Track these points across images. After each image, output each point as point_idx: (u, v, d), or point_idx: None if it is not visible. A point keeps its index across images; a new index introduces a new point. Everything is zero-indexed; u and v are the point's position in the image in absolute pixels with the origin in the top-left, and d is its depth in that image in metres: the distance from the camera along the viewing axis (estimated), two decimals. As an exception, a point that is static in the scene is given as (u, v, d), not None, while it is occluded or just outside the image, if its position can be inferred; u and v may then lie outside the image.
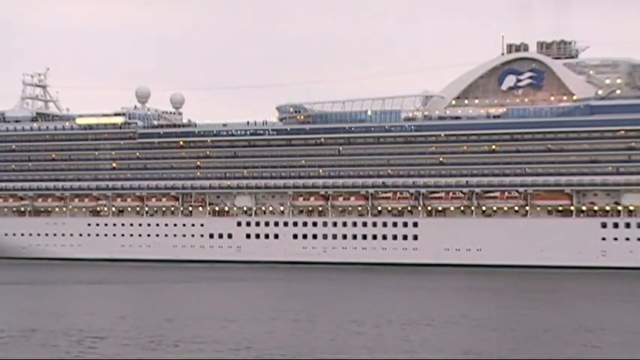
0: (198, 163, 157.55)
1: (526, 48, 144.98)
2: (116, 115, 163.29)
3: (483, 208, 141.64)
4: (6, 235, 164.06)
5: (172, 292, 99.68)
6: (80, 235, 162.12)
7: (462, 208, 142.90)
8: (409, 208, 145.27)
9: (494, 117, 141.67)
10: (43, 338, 57.37)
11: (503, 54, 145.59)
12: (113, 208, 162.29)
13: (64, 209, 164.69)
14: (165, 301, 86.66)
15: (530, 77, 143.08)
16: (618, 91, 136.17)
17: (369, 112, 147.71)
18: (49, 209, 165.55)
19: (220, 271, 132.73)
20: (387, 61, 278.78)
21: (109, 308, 77.56)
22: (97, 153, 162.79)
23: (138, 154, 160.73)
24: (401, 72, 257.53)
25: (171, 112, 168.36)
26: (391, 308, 76.25)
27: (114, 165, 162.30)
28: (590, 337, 59.24)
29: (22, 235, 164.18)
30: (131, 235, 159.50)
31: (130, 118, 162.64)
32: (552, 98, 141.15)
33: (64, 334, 58.93)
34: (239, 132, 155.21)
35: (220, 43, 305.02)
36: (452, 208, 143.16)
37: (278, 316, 70.27)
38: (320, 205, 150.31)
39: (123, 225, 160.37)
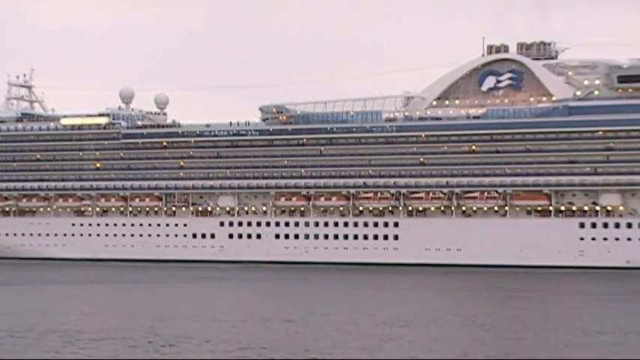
0: (182, 163, 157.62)
1: (506, 49, 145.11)
2: (100, 115, 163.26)
3: (463, 208, 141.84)
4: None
5: (159, 291, 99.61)
6: (64, 235, 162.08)
7: (442, 208, 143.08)
8: (390, 208, 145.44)
9: (474, 118, 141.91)
10: (33, 338, 57.05)
11: (483, 55, 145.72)
12: (97, 208, 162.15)
13: (49, 209, 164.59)
14: (153, 301, 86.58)
15: (509, 78, 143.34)
16: (596, 92, 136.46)
17: (352, 113, 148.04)
18: (34, 209, 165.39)
19: (204, 270, 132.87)
20: (369, 62, 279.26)
21: (95, 308, 77.35)
22: (81, 153, 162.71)
23: (122, 154, 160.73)
24: (382, 73, 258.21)
25: (155, 113, 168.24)
26: (377, 308, 76.45)
27: (98, 165, 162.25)
28: (571, 336, 59.50)
29: (7, 235, 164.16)
30: (115, 235, 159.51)
31: (114, 119, 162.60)
32: (532, 99, 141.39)
33: (51, 334, 58.66)
34: (222, 132, 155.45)
35: (206, 43, 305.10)
36: (432, 208, 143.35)
37: (267, 316, 70.07)
38: (302, 206, 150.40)
39: (107, 225, 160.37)
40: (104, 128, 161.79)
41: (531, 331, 61.28)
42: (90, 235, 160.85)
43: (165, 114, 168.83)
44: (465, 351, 52.62)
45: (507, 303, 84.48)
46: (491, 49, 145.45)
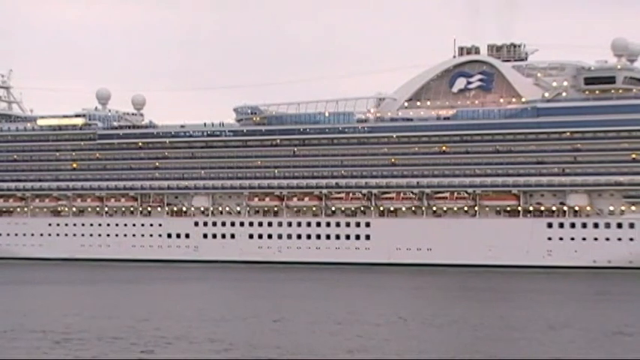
0: (157, 163, 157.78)
1: (477, 51, 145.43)
2: (77, 116, 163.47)
3: (434, 209, 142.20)
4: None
5: (137, 291, 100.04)
6: (41, 235, 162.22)
7: (412, 208, 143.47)
8: (362, 209, 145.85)
9: (445, 119, 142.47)
10: (12, 339, 57.21)
11: (454, 57, 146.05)
12: (73, 209, 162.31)
13: (25, 209, 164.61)
14: (134, 301, 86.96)
15: (479, 80, 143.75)
16: (564, 94, 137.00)
17: (327, 114, 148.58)
18: (11, 209, 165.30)
19: (179, 270, 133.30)
20: (342, 63, 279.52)
21: (77, 308, 77.58)
22: (57, 154, 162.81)
23: (98, 154, 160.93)
24: (355, 74, 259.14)
25: (132, 114, 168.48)
26: (354, 307, 77.12)
27: (74, 166, 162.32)
28: (539, 334, 60.11)
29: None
30: (91, 235, 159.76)
31: (90, 120, 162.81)
32: (502, 100, 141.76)
33: (37, 334, 58.99)
34: (196, 133, 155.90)
35: (184, 45, 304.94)
36: (403, 209, 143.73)
37: (248, 315, 70.64)
38: (275, 206, 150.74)
39: (83, 225, 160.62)
40: (80, 129, 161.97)
41: (497, 328, 62.06)
42: (66, 235, 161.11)
43: (142, 115, 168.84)
44: (435, 350, 53.25)
45: (475, 302, 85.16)
46: (462, 50, 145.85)
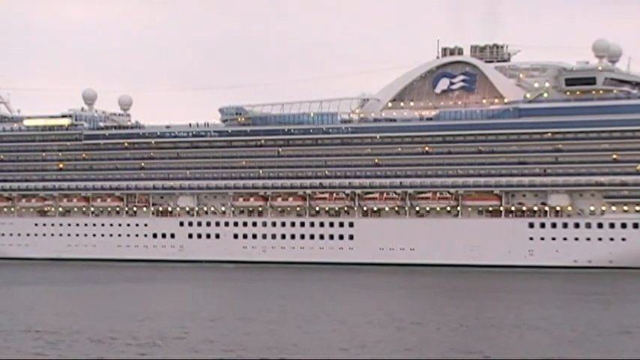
0: (143, 164, 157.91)
1: (460, 52, 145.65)
2: (63, 116, 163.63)
3: (417, 209, 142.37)
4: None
5: (124, 291, 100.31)
6: (27, 234, 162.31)
7: (396, 208, 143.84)
8: (345, 209, 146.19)
9: (428, 119, 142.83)
10: (11, 339, 57.24)
11: (438, 57, 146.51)
12: (60, 209, 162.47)
13: (12, 209, 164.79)
14: (123, 300, 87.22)
15: (462, 80, 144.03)
16: (545, 95, 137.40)
17: (312, 115, 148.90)
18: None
19: (164, 270, 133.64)
20: (327, 64, 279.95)
21: (65, 308, 77.90)
22: (44, 154, 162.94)
23: (84, 155, 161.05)
24: (340, 75, 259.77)
25: (119, 114, 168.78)
26: (339, 307, 77.43)
27: (60, 166, 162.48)
28: (519, 333, 60.55)
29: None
30: (77, 235, 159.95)
31: (76, 120, 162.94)
32: (484, 101, 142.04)
33: (30, 334, 59.16)
34: (182, 133, 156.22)
35: (171, 45, 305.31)
36: (386, 209, 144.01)
37: (237, 315, 71.06)
38: (260, 206, 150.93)
39: (69, 225, 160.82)
40: (66, 129, 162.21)
41: (480, 328, 62.44)
42: (52, 235, 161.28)
43: (128, 115, 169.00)
44: (421, 349, 53.54)
45: (453, 301, 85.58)
46: (445, 51, 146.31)
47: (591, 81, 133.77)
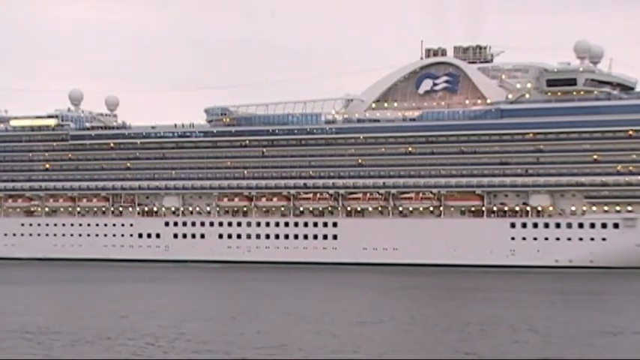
0: (128, 164, 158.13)
1: (444, 53, 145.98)
2: (49, 117, 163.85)
3: (400, 209, 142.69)
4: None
5: (111, 291, 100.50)
6: (14, 234, 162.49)
7: (379, 208, 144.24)
8: (329, 209, 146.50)
9: (411, 120, 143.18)
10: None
11: (422, 58, 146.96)
12: (46, 209, 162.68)
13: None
14: (112, 300, 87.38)
15: (445, 81, 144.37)
16: (527, 95, 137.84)
17: (297, 115, 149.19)
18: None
19: (150, 270, 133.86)
20: (311, 64, 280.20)
21: (53, 308, 78.04)
22: (30, 154, 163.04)
23: (70, 155, 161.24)
24: (325, 75, 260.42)
25: (105, 115, 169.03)
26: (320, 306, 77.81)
27: (47, 166, 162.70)
28: (501, 332, 60.79)
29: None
30: (63, 235, 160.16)
31: (62, 121, 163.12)
32: (467, 102, 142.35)
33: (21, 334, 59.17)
34: (167, 134, 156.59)
35: (159, 45, 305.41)
36: (370, 209, 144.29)
37: (224, 315, 71.32)
38: (244, 206, 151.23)
39: (55, 225, 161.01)
40: (53, 130, 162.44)
41: (461, 327, 62.76)
42: (39, 234, 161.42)
43: (115, 115, 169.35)
44: (404, 349, 53.77)
45: (434, 301, 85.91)
46: (429, 52, 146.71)
47: (572, 82, 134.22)
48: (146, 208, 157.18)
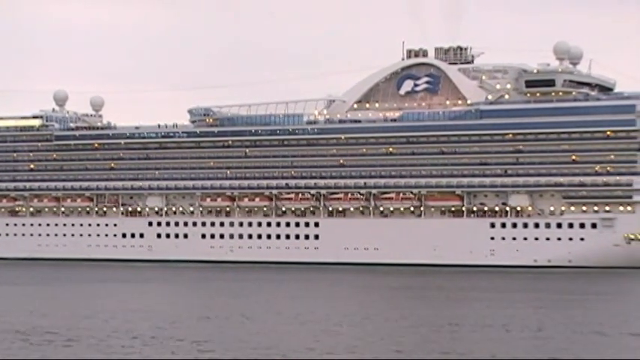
0: (112, 164, 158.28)
1: (425, 54, 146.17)
2: (34, 117, 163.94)
3: (381, 209, 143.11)
4: None
5: (95, 290, 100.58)
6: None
7: (360, 208, 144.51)
8: (311, 209, 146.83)
9: (392, 120, 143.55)
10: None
11: (403, 59, 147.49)
12: (31, 209, 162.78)
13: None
14: (97, 299, 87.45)
15: (426, 82, 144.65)
16: (507, 96, 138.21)
17: (281, 116, 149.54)
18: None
19: (133, 269, 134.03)
20: (295, 65, 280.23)
21: (33, 307, 77.41)
22: (15, 155, 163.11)
23: (55, 155, 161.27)
24: (308, 76, 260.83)
25: (91, 115, 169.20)
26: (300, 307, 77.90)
27: (31, 166, 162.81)
28: (480, 331, 61.02)
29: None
30: (47, 235, 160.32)
31: (47, 121, 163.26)
32: (448, 102, 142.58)
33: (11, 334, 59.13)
34: (151, 134, 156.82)
35: (146, 45, 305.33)
36: (351, 209, 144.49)
37: (209, 315, 71.17)
38: (227, 206, 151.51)
39: (40, 225, 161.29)
40: (37, 130, 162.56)
41: (436, 327, 62.96)
42: (23, 234, 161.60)
43: (100, 116, 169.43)
44: (385, 348, 53.74)
45: (414, 300, 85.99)
46: (410, 53, 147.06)
47: (550, 83, 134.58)
48: (130, 208, 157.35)
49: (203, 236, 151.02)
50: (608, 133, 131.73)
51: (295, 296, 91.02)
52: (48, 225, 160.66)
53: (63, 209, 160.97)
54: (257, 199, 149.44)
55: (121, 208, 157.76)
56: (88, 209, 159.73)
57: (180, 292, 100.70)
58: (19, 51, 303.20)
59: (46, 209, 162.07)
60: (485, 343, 55.90)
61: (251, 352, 51.43)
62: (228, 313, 71.44)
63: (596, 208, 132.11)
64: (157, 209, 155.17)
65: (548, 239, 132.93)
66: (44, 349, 53.29)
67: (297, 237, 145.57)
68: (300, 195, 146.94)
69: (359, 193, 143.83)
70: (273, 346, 53.78)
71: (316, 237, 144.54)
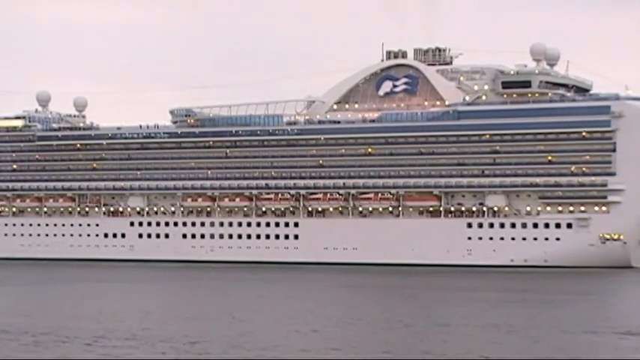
0: (95, 165, 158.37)
1: (404, 55, 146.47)
2: (17, 118, 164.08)
3: (359, 209, 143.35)
4: None
5: (79, 290, 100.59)
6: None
7: (339, 208, 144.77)
8: (290, 209, 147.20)
9: (370, 121, 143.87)
10: None
11: (382, 60, 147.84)
12: (13, 209, 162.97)
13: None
14: (80, 299, 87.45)
15: (405, 83, 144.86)
16: (484, 97, 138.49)
17: (262, 116, 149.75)
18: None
19: (115, 269, 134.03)
20: (277, 65, 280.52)
21: (17, 307, 77.63)
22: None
23: (37, 156, 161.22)
24: (290, 77, 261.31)
25: (74, 116, 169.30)
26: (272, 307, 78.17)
27: (14, 167, 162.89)
28: (448, 331, 61.46)
29: None
30: (30, 235, 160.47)
31: (30, 122, 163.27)
32: (426, 103, 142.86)
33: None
34: (132, 135, 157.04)
35: (138, 44, 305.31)
36: (330, 209, 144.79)
37: (198, 315, 71.29)
38: (208, 206, 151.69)
39: (22, 225, 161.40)
40: (20, 131, 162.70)
41: (412, 327, 63.13)
42: (6, 234, 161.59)
43: (84, 116, 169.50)
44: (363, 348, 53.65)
45: (391, 300, 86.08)
46: (390, 54, 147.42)
47: (526, 84, 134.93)
48: (112, 209, 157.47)
49: (184, 236, 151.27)
50: (584, 133, 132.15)
51: (280, 296, 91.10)
52: (30, 225, 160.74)
53: (45, 209, 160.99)
54: (237, 200, 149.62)
55: (103, 209, 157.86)
56: (70, 209, 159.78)
57: (166, 291, 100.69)
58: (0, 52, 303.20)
59: (29, 209, 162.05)
60: (467, 342, 55.76)
61: (246, 353, 51.49)
62: (216, 314, 71.41)
63: (571, 209, 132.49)
64: (138, 209, 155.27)
65: (524, 239, 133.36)
66: (34, 350, 53.05)
67: (277, 237, 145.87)
68: (279, 195, 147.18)
69: (338, 193, 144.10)
70: (266, 346, 53.83)
71: (296, 237, 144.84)
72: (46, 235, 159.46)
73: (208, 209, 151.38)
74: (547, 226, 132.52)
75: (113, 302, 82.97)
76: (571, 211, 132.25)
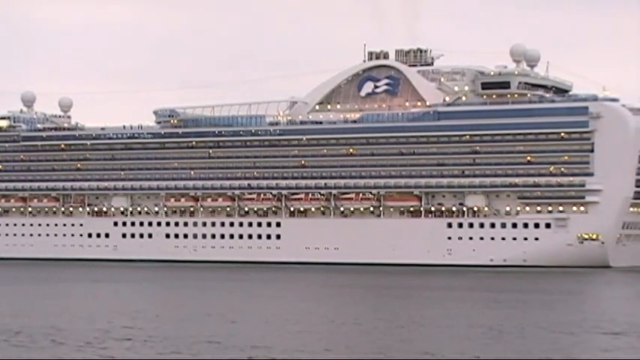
0: (79, 165, 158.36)
1: (386, 56, 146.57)
2: (1, 118, 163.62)
3: (341, 209, 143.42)
4: None
5: (63, 290, 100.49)
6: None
7: (321, 209, 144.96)
8: (273, 209, 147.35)
9: (352, 122, 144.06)
10: None
11: (364, 61, 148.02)
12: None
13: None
14: (64, 299, 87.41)
15: (386, 84, 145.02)
16: (464, 98, 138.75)
17: (246, 117, 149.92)
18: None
19: (99, 269, 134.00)
20: (255, 67, 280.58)
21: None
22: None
23: (22, 156, 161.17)
24: (272, 78, 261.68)
25: (59, 116, 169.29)
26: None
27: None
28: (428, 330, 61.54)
29: None
30: (14, 235, 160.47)
31: (14, 122, 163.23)
32: (407, 104, 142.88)
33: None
34: (116, 135, 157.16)
35: (123, 45, 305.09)
36: (312, 209, 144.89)
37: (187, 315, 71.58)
38: (191, 206, 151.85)
39: (7, 225, 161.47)
40: (4, 131, 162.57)
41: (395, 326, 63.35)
42: None
43: (69, 117, 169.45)
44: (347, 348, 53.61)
45: (372, 300, 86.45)
46: (371, 55, 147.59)
47: (506, 85, 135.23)
48: (96, 209, 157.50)
49: (167, 236, 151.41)
50: (562, 134, 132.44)
51: (271, 296, 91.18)
52: (15, 225, 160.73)
53: (30, 209, 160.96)
54: (220, 200, 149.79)
55: (87, 208, 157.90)
56: (54, 209, 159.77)
57: (152, 291, 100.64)
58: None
59: (13, 209, 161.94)
60: (449, 341, 56.00)
61: (239, 353, 51.58)
62: (205, 314, 71.26)
63: (550, 209, 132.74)
64: (122, 209, 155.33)
65: (503, 239, 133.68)
66: (27, 350, 52.98)
67: (260, 237, 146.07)
68: (262, 195, 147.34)
69: (319, 193, 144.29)
70: (259, 346, 54.00)
71: (278, 237, 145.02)
72: (31, 234, 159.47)
73: (191, 209, 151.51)
74: (526, 226, 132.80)
75: (103, 302, 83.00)
76: (550, 211, 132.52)
